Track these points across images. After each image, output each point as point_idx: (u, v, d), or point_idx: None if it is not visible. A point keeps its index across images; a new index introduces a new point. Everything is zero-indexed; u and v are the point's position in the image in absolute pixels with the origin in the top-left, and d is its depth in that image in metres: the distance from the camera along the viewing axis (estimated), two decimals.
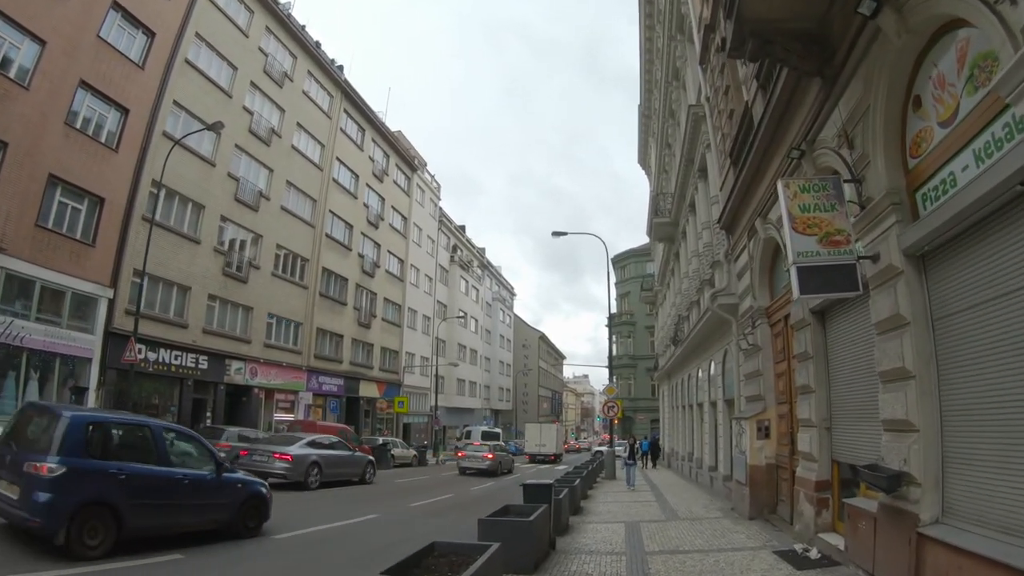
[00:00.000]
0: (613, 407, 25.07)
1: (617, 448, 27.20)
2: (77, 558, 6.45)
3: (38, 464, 6.52)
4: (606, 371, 55.93)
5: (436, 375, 41.54)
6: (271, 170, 29.43)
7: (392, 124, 50.29)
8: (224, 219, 25.84)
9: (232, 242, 26.47)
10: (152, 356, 21.25)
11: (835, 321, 7.38)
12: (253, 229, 27.77)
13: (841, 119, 6.18)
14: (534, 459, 40.00)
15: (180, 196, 23.36)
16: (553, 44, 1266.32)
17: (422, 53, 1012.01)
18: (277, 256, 29.63)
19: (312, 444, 17.26)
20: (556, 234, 24.83)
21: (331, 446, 18.25)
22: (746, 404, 10.87)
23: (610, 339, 26.21)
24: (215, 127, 20.52)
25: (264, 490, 9.19)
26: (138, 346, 17.44)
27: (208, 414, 24.48)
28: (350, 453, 19.22)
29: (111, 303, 19.75)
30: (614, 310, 59.61)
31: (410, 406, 45.14)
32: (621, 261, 59.78)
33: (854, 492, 6.91)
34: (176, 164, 22.25)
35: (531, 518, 6.77)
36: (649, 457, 35.22)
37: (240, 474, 9.16)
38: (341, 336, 35.16)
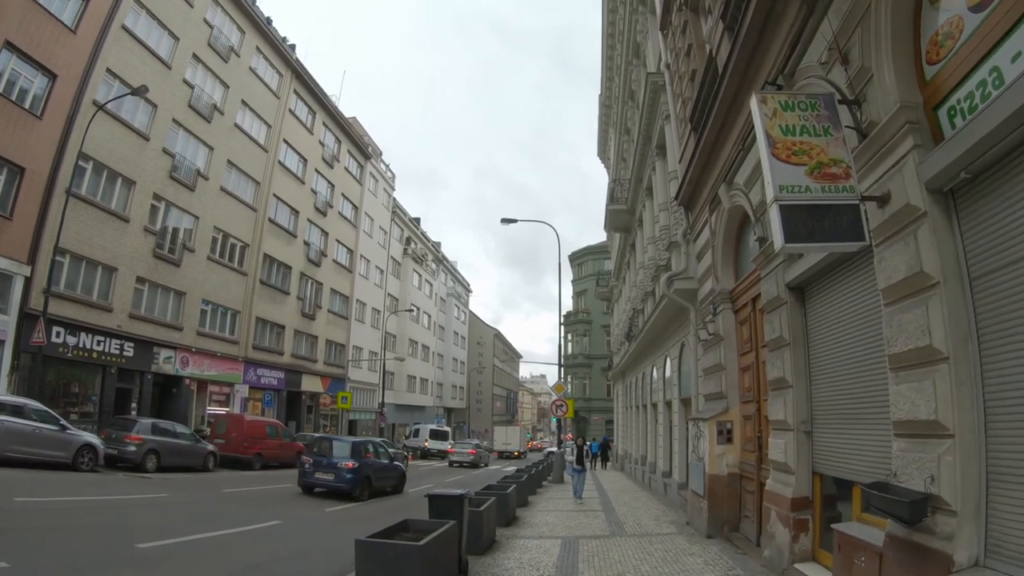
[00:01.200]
0: (562, 406, 23.62)
1: (565, 449, 25.73)
2: (356, 500, 14.59)
3: (345, 463, 15.09)
4: (565, 371, 55.50)
5: (383, 370, 40.16)
6: (211, 148, 27.71)
7: (355, 114, 48.60)
8: (157, 197, 24.09)
9: (165, 222, 24.69)
10: (72, 340, 19.74)
11: (819, 298, 6.01)
12: (188, 210, 26.03)
13: (832, 30, 4.89)
14: (502, 455, 46.31)
15: (109, 170, 21.65)
16: (525, 36, 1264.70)
17: (392, 42, 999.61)
18: (214, 239, 27.91)
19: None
20: (505, 221, 23.67)
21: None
22: (705, 403, 9.61)
23: (560, 331, 24.61)
24: (139, 91, 18.86)
25: (403, 467, 18.93)
26: (55, 329, 15.88)
27: (134, 405, 22.69)
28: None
29: (28, 281, 18.26)
30: (569, 307, 59.03)
31: (357, 402, 43.67)
32: (579, 258, 58.87)
33: (841, 513, 5.65)
34: (106, 136, 21.22)
35: (422, 543, 5.26)
36: (599, 458, 36.55)
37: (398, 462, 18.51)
38: (283, 327, 33.48)
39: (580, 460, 15.85)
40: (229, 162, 29.12)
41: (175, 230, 25.27)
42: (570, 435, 43.60)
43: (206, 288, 27.11)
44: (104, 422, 19.60)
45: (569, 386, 54.04)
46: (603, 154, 37.19)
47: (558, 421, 26.18)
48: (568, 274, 60.94)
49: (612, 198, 22.76)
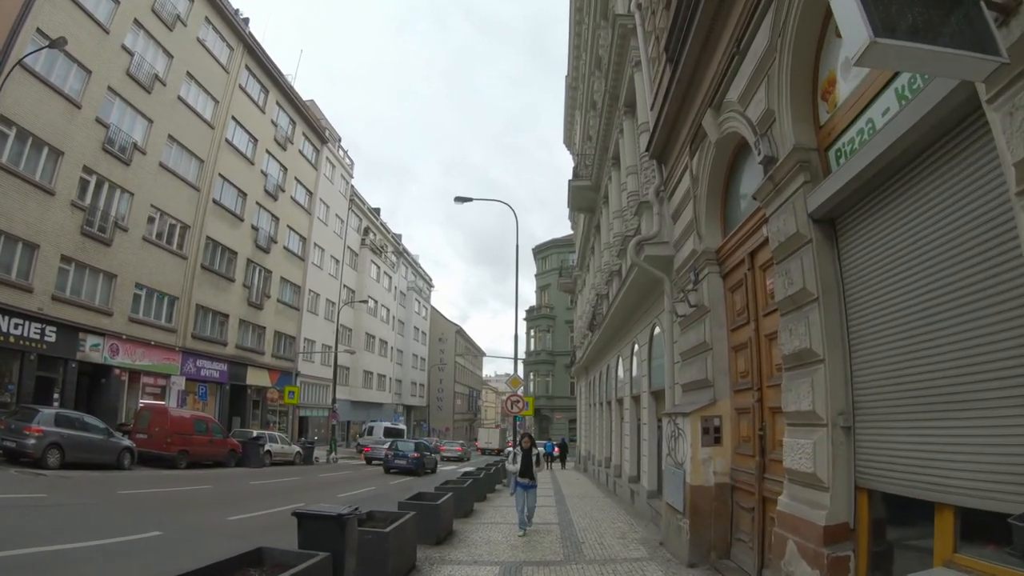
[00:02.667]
0: (519, 402, 20.98)
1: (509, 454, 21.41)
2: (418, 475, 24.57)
3: (413, 454, 25.75)
4: (526, 368, 53.97)
5: (336, 364, 38.18)
6: (150, 121, 25.63)
7: (321, 101, 46.11)
8: (88, 170, 22.00)
9: (96, 198, 22.59)
10: None
11: (864, 229, 4.16)
12: (123, 185, 23.94)
13: None
14: (484, 452, 52.85)
15: (34, 138, 19.69)
16: (500, 25, 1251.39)
17: (363, 30, 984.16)
18: (151, 219, 25.82)
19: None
20: (460, 200, 21.86)
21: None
22: (684, 395, 7.85)
23: (516, 316, 22.32)
24: (57, 43, 16.90)
25: (438, 456, 29.30)
26: None
27: (56, 396, 20.56)
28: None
29: None
30: (532, 302, 57.75)
31: (308, 398, 41.73)
32: (543, 252, 57.17)
33: (911, 548, 3.84)
34: (32, 101, 19.50)
35: None
36: (558, 459, 35.78)
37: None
38: (226, 316, 31.35)
39: (527, 471, 10.44)
40: (170, 137, 27.04)
41: (107, 207, 23.15)
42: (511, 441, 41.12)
43: (140, 271, 24.98)
44: None
45: (531, 384, 52.77)
46: (569, 140, 35.69)
47: (516, 420, 23.23)
48: (532, 267, 59.65)
49: (575, 174, 21.39)
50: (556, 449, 37.01)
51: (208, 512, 11.17)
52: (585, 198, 21.13)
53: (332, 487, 17.81)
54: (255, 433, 25.21)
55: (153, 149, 25.84)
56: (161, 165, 26.42)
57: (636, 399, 13.67)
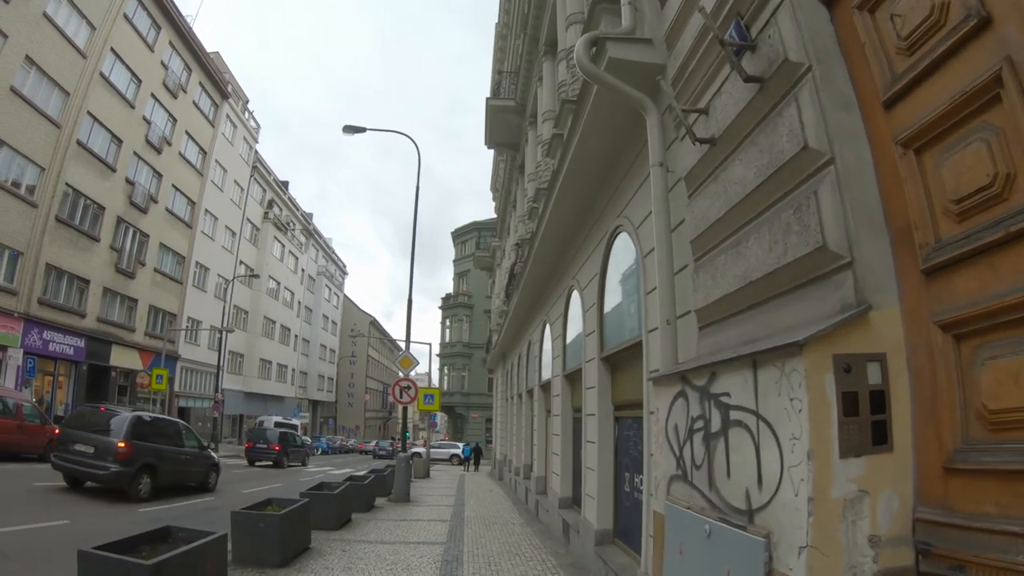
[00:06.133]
0: (410, 389, 16.04)
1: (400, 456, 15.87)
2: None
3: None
4: (441, 361, 50.22)
5: (223, 348, 33.59)
6: (5, 36, 21.08)
7: (241, 65, 40.58)
8: None
9: None
10: None
11: None
12: None
13: None
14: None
15: None
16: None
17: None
18: None
19: None
20: (350, 129, 17.46)
21: None
22: (709, 334, 4.00)
23: (411, 273, 17.74)
24: None
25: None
26: None
27: None
28: None
29: None
30: (449, 289, 53.85)
31: (193, 386, 36.69)
32: (463, 235, 52.89)
33: None
34: None
35: None
36: (468, 460, 35.18)
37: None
38: (87, 282, 26.28)
39: None
40: (29, 58, 22.32)
41: None
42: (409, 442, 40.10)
43: None
44: None
45: (446, 379, 49.19)
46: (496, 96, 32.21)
47: (405, 412, 18.38)
48: (451, 253, 55.83)
49: (495, 93, 17.70)
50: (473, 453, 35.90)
51: None
52: (507, 125, 16.77)
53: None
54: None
55: (3, 69, 21.15)
56: (12, 90, 21.67)
57: (574, 376, 9.76)
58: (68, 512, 9.46)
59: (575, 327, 9.62)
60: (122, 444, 11.39)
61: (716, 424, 3.36)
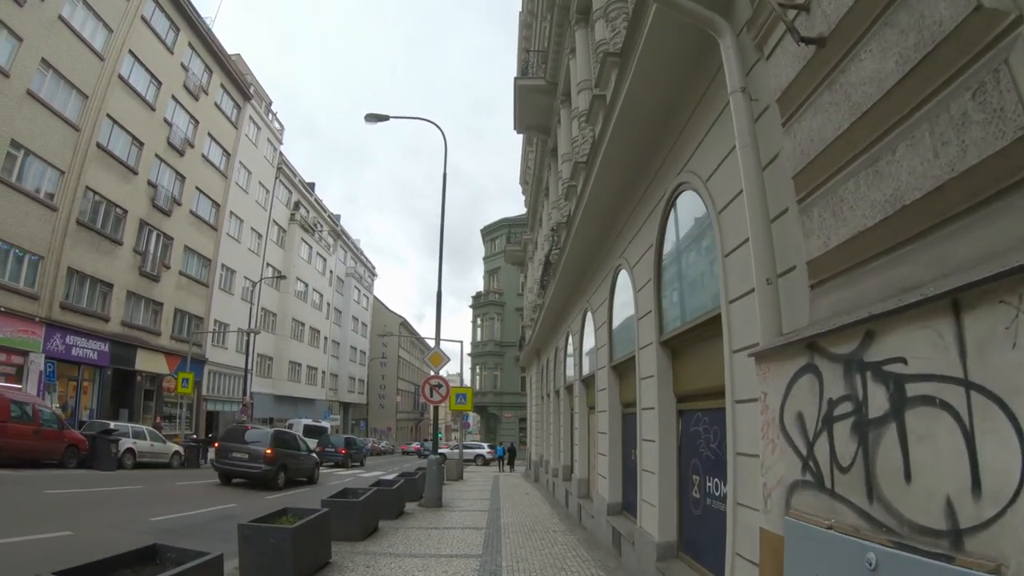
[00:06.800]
0: (441, 387, 15.04)
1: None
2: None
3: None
4: (472, 360, 49.34)
5: (250, 350, 33.19)
6: (20, 39, 20.77)
7: (265, 70, 40.31)
8: None
9: None
10: None
11: None
12: None
13: None
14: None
15: None
16: None
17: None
18: (11, 155, 20.79)
19: None
20: (372, 118, 16.12)
21: None
22: (825, 298, 3.12)
23: (441, 264, 16.44)
24: None
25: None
26: None
27: None
28: None
29: None
30: (480, 287, 52.95)
31: (221, 389, 36.40)
32: (492, 232, 52.15)
33: None
34: None
35: None
36: (505, 462, 34.41)
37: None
38: (110, 286, 25.98)
39: None
40: (44, 61, 22.11)
41: None
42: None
43: None
44: None
45: (478, 379, 48.34)
46: (524, 76, 31.04)
47: (436, 412, 17.18)
48: (480, 251, 54.84)
49: (523, 72, 16.57)
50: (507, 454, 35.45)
51: None
52: (537, 107, 16.03)
53: (141, 507, 11.47)
54: (112, 425, 19.63)
55: (20, 72, 21.19)
56: (29, 93, 21.39)
57: (622, 370, 8.83)
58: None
59: (624, 311, 8.53)
60: (269, 451, 16.48)
61: (879, 406, 2.32)
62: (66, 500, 11.13)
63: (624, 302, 8.52)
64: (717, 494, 4.97)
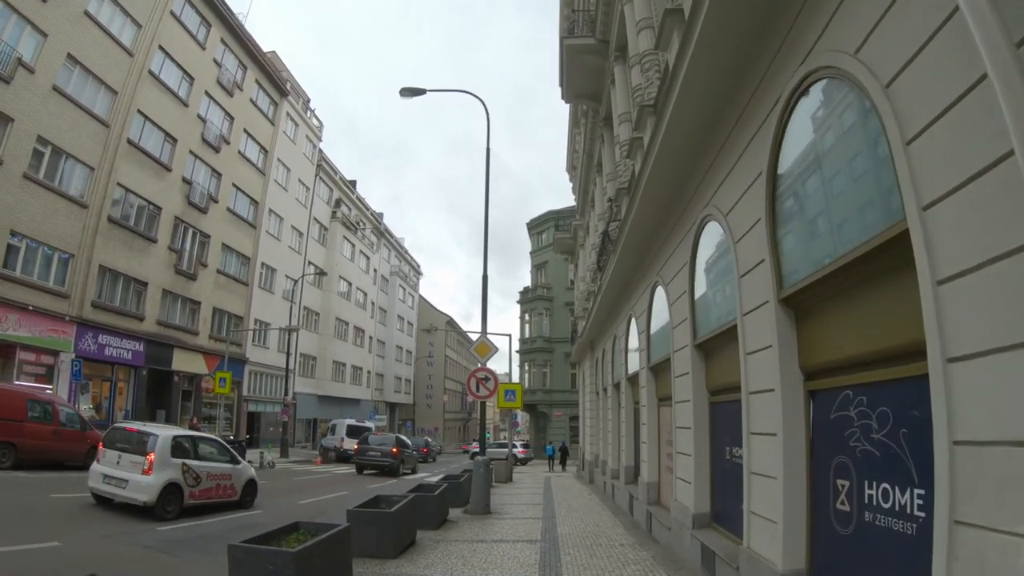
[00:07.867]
0: (488, 380, 13.43)
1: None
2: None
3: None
4: (521, 357, 47.76)
5: (291, 349, 32.36)
6: (44, 35, 20.39)
7: (311, 71, 39.69)
8: None
9: None
10: None
11: None
12: None
13: None
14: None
15: None
16: None
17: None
18: (37, 152, 20.16)
19: None
20: (408, 92, 14.93)
21: None
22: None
23: (486, 249, 13.71)
24: None
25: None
26: None
27: None
28: None
29: None
30: (527, 282, 51.29)
31: (262, 389, 35.76)
32: (539, 226, 50.37)
33: None
34: None
35: None
36: (554, 460, 34.84)
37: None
38: (144, 284, 25.36)
39: None
40: (71, 57, 21.54)
41: None
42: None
43: (18, 215, 19.40)
44: None
45: (526, 376, 46.69)
46: (567, 95, 29.49)
47: (482, 408, 15.24)
48: (527, 245, 53.18)
49: (570, 32, 14.89)
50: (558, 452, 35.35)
51: None
52: (587, 70, 14.37)
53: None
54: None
55: (45, 68, 20.66)
56: (55, 88, 20.78)
57: (709, 348, 7.15)
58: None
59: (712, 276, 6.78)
60: (395, 449, 24.71)
61: None
62: (66, 505, 10.11)
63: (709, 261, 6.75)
64: (887, 505, 3.31)
